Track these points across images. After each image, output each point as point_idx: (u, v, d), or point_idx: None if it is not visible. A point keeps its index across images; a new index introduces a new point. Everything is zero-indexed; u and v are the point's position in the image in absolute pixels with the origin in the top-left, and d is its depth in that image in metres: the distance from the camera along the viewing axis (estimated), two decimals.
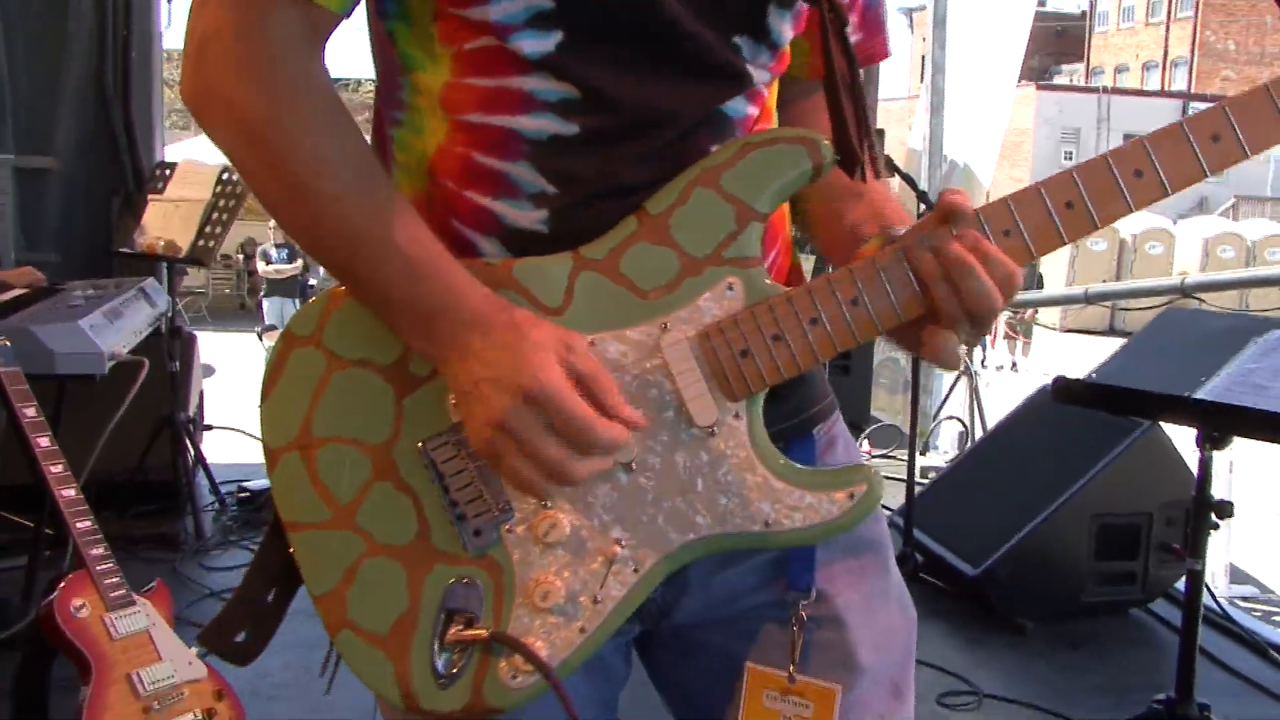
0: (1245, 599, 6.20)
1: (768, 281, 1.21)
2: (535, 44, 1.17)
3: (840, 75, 1.23)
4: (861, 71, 1.36)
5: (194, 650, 2.90)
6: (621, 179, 1.21)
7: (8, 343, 3.25)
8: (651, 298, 1.19)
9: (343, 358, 1.24)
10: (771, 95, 1.34)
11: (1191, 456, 3.23)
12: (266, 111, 1.14)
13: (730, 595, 1.35)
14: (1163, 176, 1.15)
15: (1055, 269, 25.84)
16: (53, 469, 2.95)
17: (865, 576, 1.38)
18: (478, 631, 1.19)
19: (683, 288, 1.20)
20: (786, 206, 1.36)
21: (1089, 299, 8.48)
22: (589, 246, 1.21)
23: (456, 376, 1.15)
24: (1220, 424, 3.00)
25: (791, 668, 1.31)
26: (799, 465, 1.22)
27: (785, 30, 1.29)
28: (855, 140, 1.23)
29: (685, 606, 1.35)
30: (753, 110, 1.28)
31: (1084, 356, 3.73)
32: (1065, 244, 1.18)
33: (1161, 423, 4.54)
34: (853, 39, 1.35)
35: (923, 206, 5.07)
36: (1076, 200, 1.16)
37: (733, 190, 1.19)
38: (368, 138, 1.23)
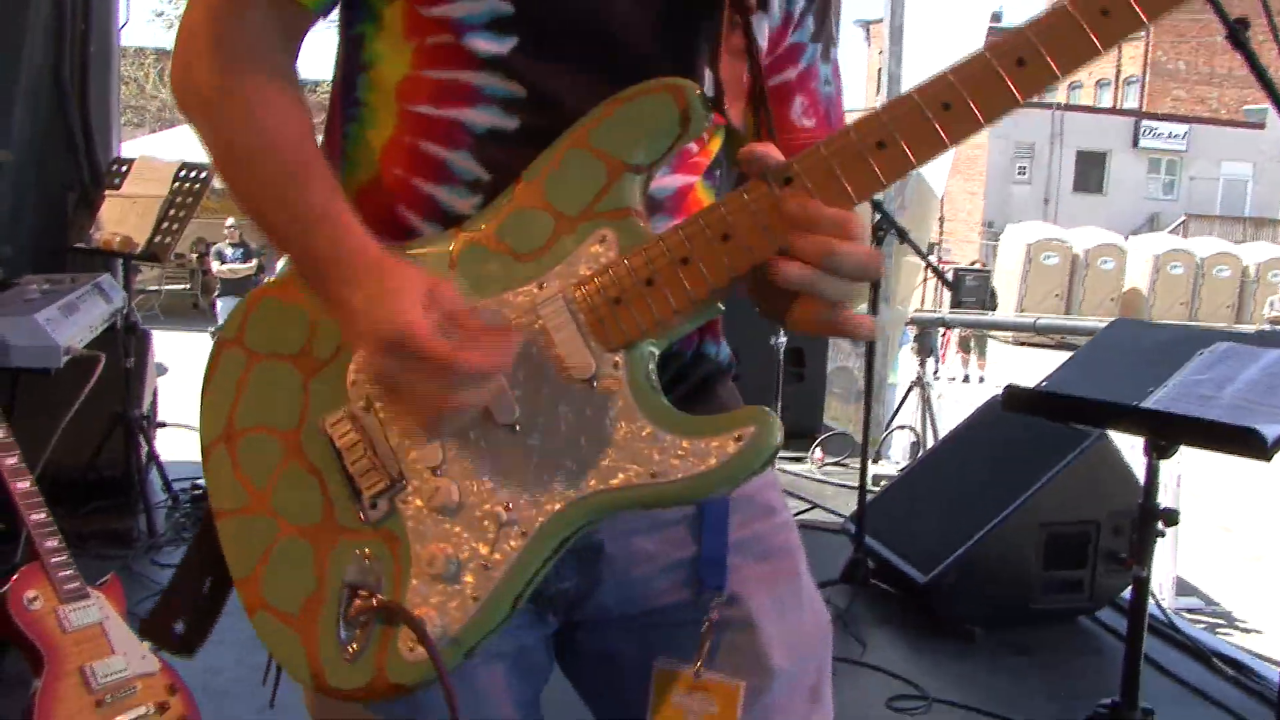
0: (1190, 610, 6.29)
1: (642, 227, 1.20)
2: (490, 45, 1.23)
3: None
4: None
5: (146, 645, 2.89)
6: None
7: None
8: (528, 259, 1.21)
9: (258, 352, 1.30)
10: (741, 112, 1.35)
11: (1140, 467, 3.28)
12: (217, 78, 1.24)
13: (644, 594, 1.37)
14: (1051, 62, 1.10)
15: (1007, 285, 26.08)
16: (7, 461, 2.93)
17: (776, 581, 1.40)
18: (372, 601, 1.20)
19: (558, 245, 1.20)
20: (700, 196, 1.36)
21: (1038, 329, 8.59)
22: (470, 220, 1.24)
23: (344, 329, 1.21)
24: (1167, 433, 3.05)
25: (699, 664, 1.32)
26: (685, 414, 1.19)
27: (740, 68, 1.32)
28: (729, 83, 1.28)
29: (598, 599, 1.36)
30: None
31: (1038, 369, 3.78)
32: (948, 147, 1.12)
33: (1110, 432, 4.60)
34: (806, 123, 1.42)
35: (878, 216, 5.12)
36: (955, 101, 1.11)
37: (601, 145, 1.20)
38: (320, 137, 1.29)
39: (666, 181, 1.29)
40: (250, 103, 1.23)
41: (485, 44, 1.23)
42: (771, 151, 1.16)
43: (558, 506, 1.19)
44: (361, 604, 1.20)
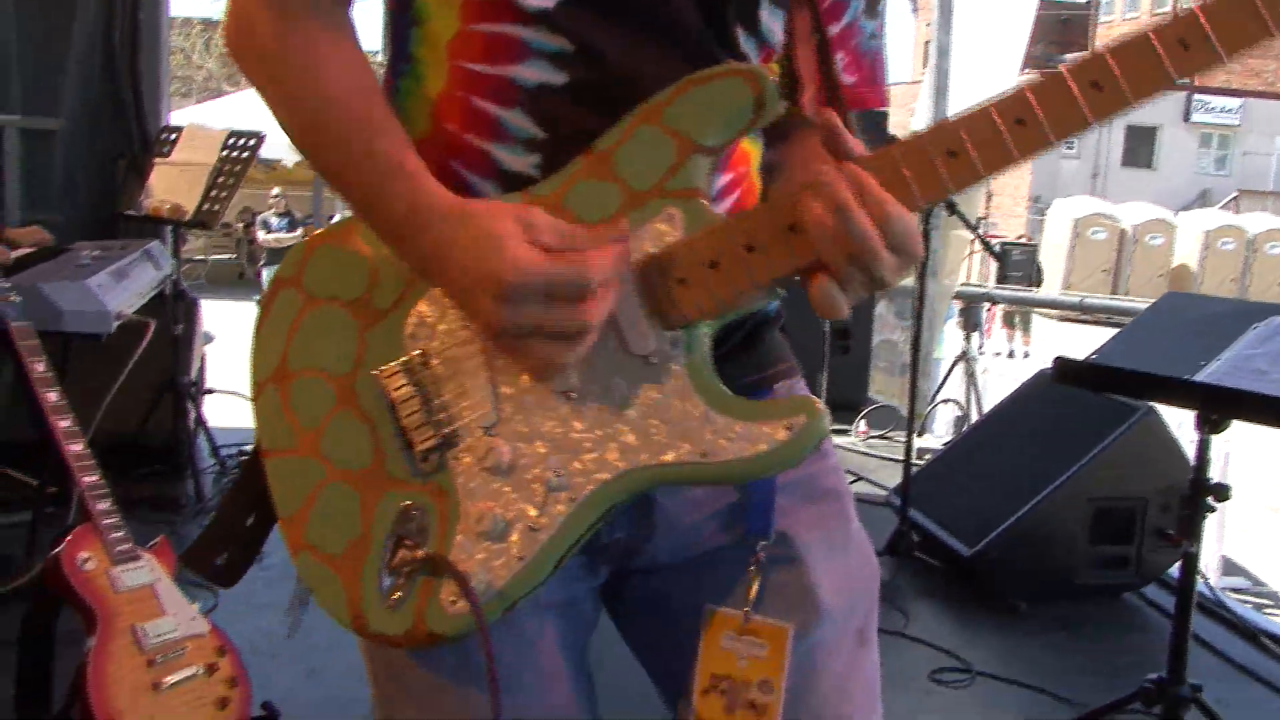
0: (1236, 590, 6.24)
1: (708, 210, 1.21)
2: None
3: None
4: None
5: (196, 606, 2.92)
6: (597, 131, 1.24)
7: (17, 298, 3.26)
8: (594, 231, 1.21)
9: (316, 296, 1.30)
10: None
11: (1188, 443, 3.25)
12: (278, 31, 1.24)
13: (693, 540, 1.37)
14: (1124, 88, 1.11)
15: (1054, 260, 25.86)
16: (61, 423, 2.97)
17: (825, 522, 1.40)
18: (418, 553, 1.22)
19: (624, 220, 1.21)
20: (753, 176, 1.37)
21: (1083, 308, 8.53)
22: (538, 185, 1.24)
23: (446, 286, 1.20)
24: (1219, 407, 3.02)
25: (747, 609, 1.32)
26: (739, 397, 1.21)
27: (776, 30, 1.32)
28: (804, 67, 1.28)
29: (651, 550, 1.37)
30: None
31: (1083, 345, 3.75)
32: (1018, 162, 1.13)
33: (1159, 407, 4.57)
34: (846, 79, 1.41)
35: None
36: (1029, 118, 1.13)
37: (674, 124, 1.21)
38: None
39: None
40: (313, 56, 1.24)
41: None
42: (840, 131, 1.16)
43: (607, 476, 1.20)
44: (406, 554, 1.22)
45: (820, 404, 1.19)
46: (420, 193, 1.19)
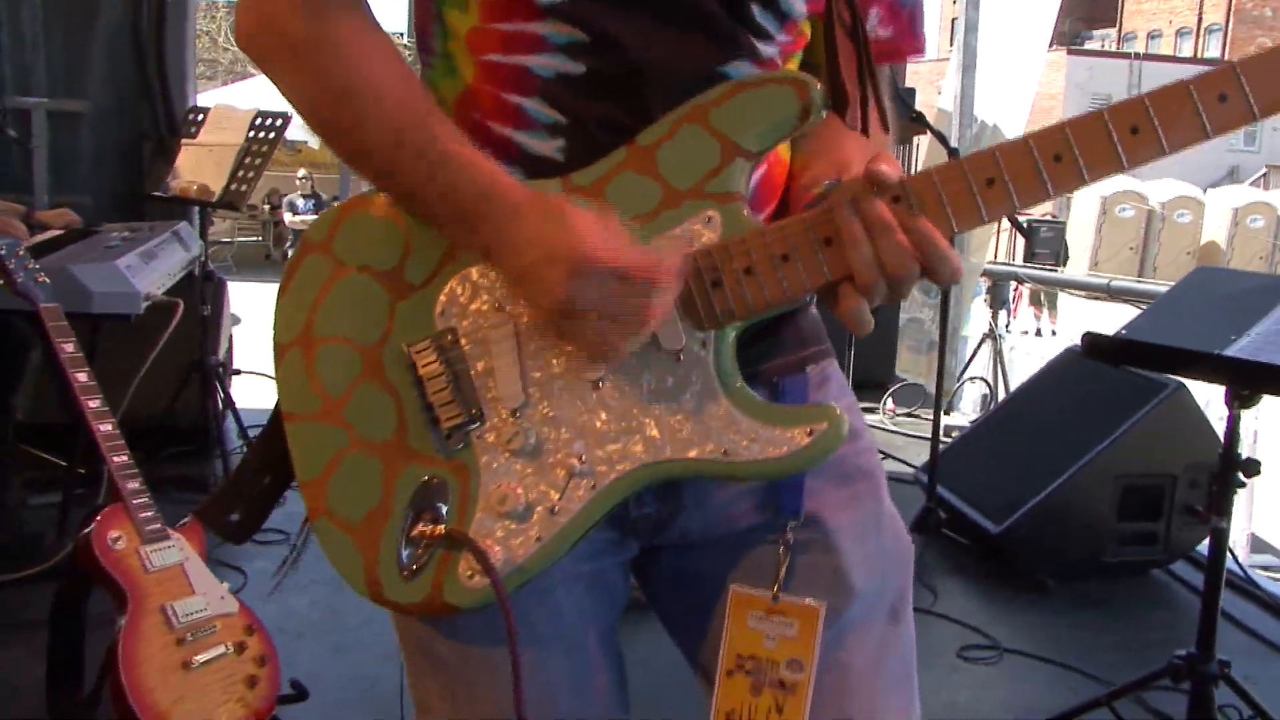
0: (1265, 568, 6.21)
1: (746, 215, 1.23)
2: None
3: (838, 16, 1.31)
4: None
5: (225, 585, 2.94)
6: (618, 119, 1.25)
7: (47, 279, 3.28)
8: (632, 224, 1.22)
9: (346, 263, 1.31)
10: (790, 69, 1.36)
11: (1217, 420, 3.23)
12: (312, 26, 1.23)
13: (724, 518, 1.38)
14: (1161, 135, 1.14)
15: (1081, 238, 25.69)
16: (90, 404, 2.99)
17: (857, 503, 1.40)
18: (439, 528, 1.23)
19: (662, 217, 1.23)
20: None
21: (1111, 291, 8.49)
22: (579, 173, 1.25)
23: (509, 263, 1.20)
24: (1250, 382, 2.99)
25: (775, 588, 1.33)
26: (764, 401, 1.25)
27: (795, 1, 1.32)
28: (849, 80, 1.29)
29: (680, 525, 1.38)
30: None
31: (1110, 324, 3.73)
32: (1050, 197, 1.18)
33: (1188, 383, 4.54)
34: (881, 33, 1.42)
35: None
36: (1066, 153, 1.16)
37: (720, 127, 1.22)
38: None
39: None
40: (350, 47, 1.24)
41: None
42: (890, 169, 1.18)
43: (629, 467, 1.23)
44: (425, 527, 1.24)
45: (840, 411, 1.22)
46: (494, 178, 1.20)
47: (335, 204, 1.36)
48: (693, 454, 1.22)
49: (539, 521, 1.22)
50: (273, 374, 1.34)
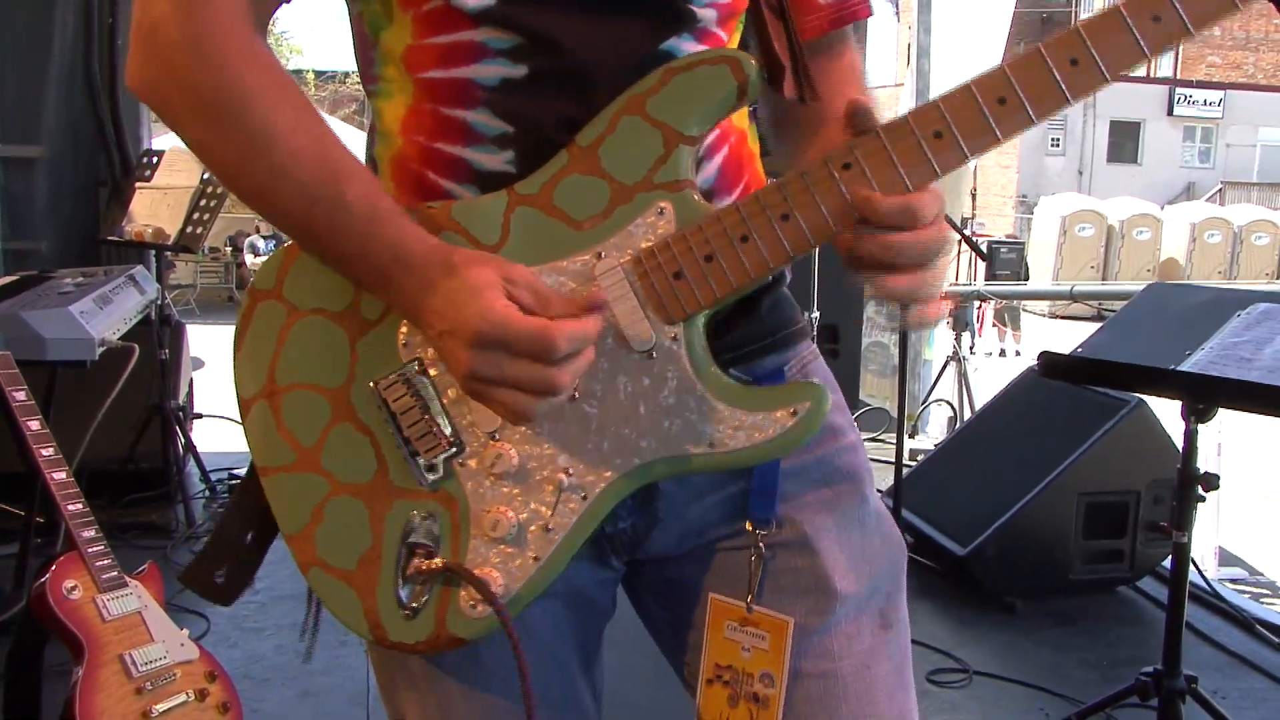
0: (1234, 581, 6.23)
1: (699, 201, 1.21)
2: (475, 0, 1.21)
3: None
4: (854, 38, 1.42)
5: (185, 632, 2.91)
6: (571, 116, 1.23)
7: None
8: (585, 227, 1.21)
9: (299, 307, 1.28)
10: (732, 36, 1.34)
11: (1179, 435, 3.24)
12: (217, 80, 1.19)
13: (700, 528, 1.37)
14: (1100, 64, 1.13)
15: (1042, 258, 25.89)
16: (43, 452, 2.95)
17: (839, 504, 1.38)
18: (434, 563, 1.22)
19: (615, 215, 1.21)
20: (756, 150, 1.38)
21: (1074, 296, 8.56)
22: (523, 183, 1.23)
23: (424, 332, 1.19)
24: (1205, 396, 3.01)
25: (749, 599, 1.32)
26: (741, 385, 1.24)
27: None
28: (781, 53, 1.29)
29: (657, 539, 1.37)
30: (702, 49, 1.29)
31: (1074, 341, 3.74)
32: (1000, 142, 1.16)
33: (1148, 399, 4.57)
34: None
35: None
36: (1010, 95, 1.15)
37: (659, 115, 1.20)
38: (353, 128, 1.26)
39: None
40: (262, 100, 1.19)
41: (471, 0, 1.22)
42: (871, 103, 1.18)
43: (617, 473, 1.22)
44: (421, 563, 1.23)
45: (822, 386, 1.22)
46: (403, 241, 1.18)
47: (280, 248, 1.34)
48: (677, 450, 1.21)
49: (534, 541, 1.22)
50: (236, 418, 1.32)
